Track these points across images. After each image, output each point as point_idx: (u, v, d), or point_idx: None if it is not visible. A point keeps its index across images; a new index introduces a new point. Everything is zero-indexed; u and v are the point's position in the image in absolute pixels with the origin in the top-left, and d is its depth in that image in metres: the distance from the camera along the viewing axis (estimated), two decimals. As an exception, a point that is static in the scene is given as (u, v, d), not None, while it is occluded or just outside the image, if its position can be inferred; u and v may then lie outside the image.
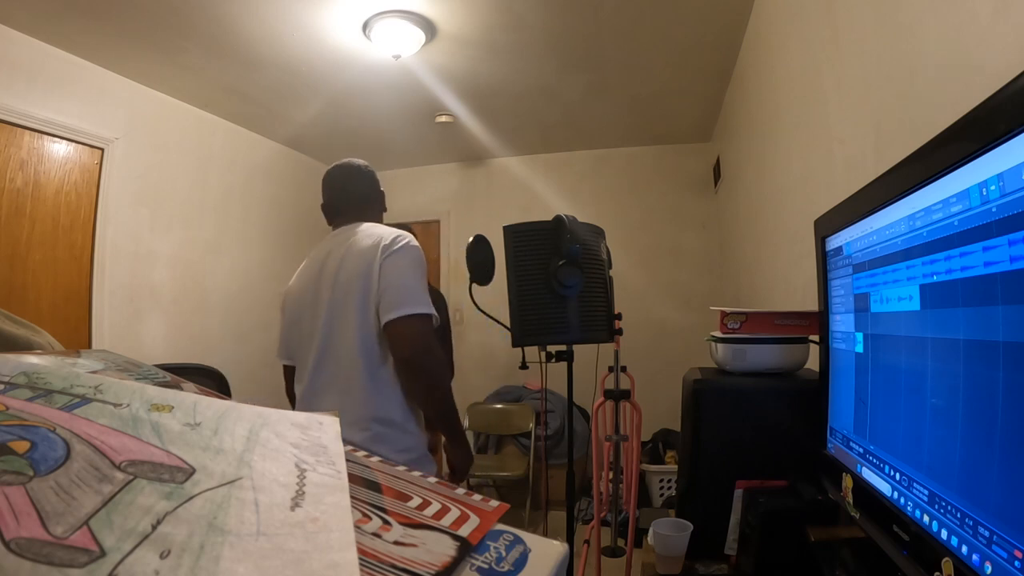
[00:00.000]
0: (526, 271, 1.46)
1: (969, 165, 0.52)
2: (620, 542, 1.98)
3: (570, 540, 1.66)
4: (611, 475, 1.85)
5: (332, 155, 4.21)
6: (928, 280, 0.61)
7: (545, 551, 0.28)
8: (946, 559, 0.53)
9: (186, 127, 3.20)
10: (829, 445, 0.95)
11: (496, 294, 1.52)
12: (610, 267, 1.63)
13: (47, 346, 0.45)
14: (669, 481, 3.03)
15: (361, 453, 0.33)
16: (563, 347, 1.59)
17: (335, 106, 3.29)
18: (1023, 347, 0.44)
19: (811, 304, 1.12)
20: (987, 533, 0.48)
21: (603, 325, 1.55)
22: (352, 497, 0.27)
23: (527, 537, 0.28)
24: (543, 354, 1.60)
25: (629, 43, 2.59)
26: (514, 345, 1.48)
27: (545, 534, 0.29)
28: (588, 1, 2.25)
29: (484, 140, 3.96)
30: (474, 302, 1.55)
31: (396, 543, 0.25)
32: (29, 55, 2.36)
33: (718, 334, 1.21)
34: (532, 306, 1.45)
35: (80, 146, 2.63)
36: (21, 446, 0.22)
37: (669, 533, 1.13)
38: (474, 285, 1.51)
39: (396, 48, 2.45)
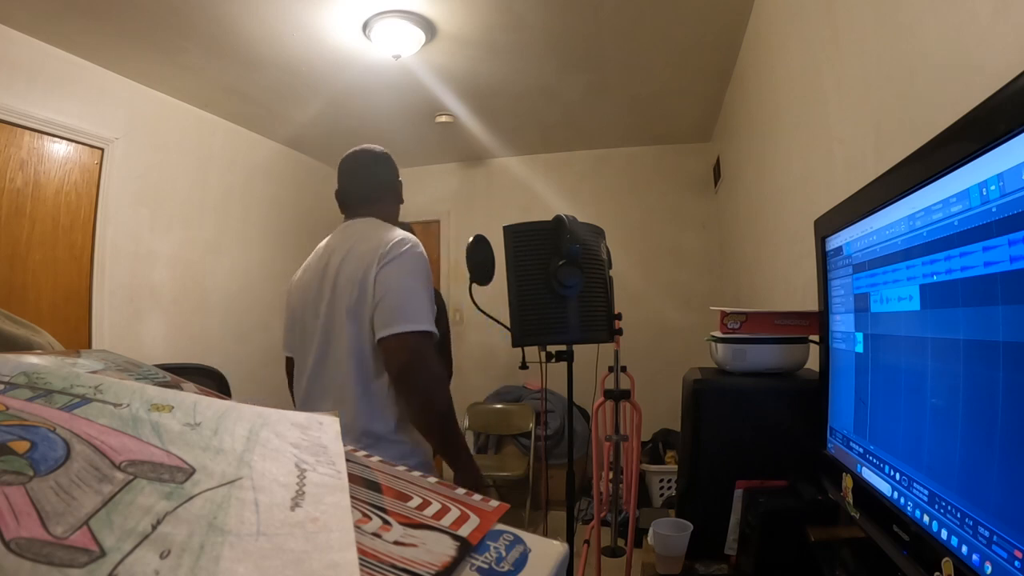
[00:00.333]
0: (526, 271, 1.46)
1: (969, 165, 0.52)
2: (620, 542, 1.98)
3: (570, 540, 1.66)
4: (611, 475, 1.85)
5: (332, 155, 4.22)
6: (928, 280, 0.61)
7: (545, 551, 0.28)
8: (946, 559, 0.53)
9: (186, 127, 3.20)
10: (829, 445, 0.95)
11: (496, 294, 1.52)
12: (610, 267, 1.63)
13: (47, 346, 0.45)
14: (669, 481, 3.03)
15: (361, 453, 0.34)
16: (563, 347, 1.59)
17: (335, 106, 3.29)
18: (1023, 347, 0.44)
19: (811, 304, 1.12)
20: (987, 533, 0.48)
21: (603, 325, 1.55)
22: (352, 497, 0.27)
23: (527, 537, 0.28)
24: (543, 354, 1.60)
25: (629, 43, 2.59)
26: (514, 345, 1.48)
27: (545, 534, 0.29)
28: (588, 1, 2.25)
29: (484, 140, 3.97)
30: (474, 302, 1.55)
31: (396, 543, 0.25)
32: (29, 55, 2.36)
33: (718, 334, 1.21)
34: (532, 306, 1.45)
35: (80, 146, 2.63)
36: (21, 446, 0.22)
37: (669, 533, 1.13)
38: (474, 285, 1.51)
39: (396, 48, 2.45)
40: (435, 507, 0.29)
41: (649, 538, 1.16)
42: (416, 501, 0.29)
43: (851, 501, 0.81)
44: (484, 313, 1.58)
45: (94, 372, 0.32)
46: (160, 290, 3.03)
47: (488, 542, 0.27)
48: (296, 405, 1.35)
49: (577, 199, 4.13)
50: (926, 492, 0.60)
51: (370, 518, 0.27)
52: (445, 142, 4.01)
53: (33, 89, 2.39)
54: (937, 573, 0.54)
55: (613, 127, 3.78)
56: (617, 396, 1.80)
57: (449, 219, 4.53)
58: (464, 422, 3.65)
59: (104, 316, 2.71)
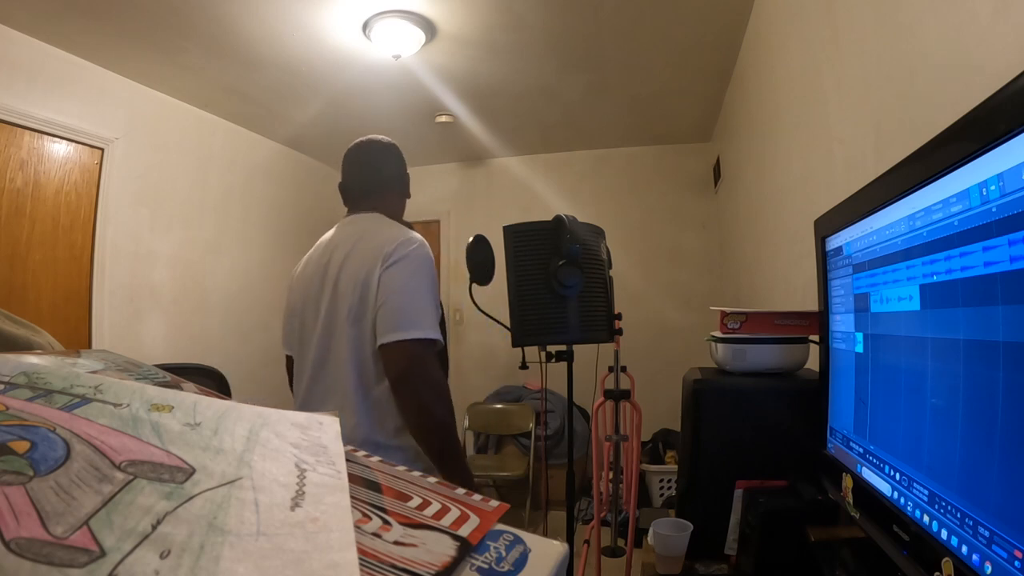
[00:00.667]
0: (526, 271, 1.45)
1: (969, 165, 0.52)
2: (620, 542, 1.98)
3: (570, 540, 1.66)
4: (611, 475, 1.85)
5: (332, 155, 4.22)
6: (928, 280, 0.61)
7: (545, 551, 0.28)
8: (946, 559, 0.53)
9: (186, 127, 3.20)
10: (829, 445, 0.95)
11: (496, 294, 1.52)
12: (610, 267, 1.63)
13: (47, 346, 0.45)
14: (669, 481, 3.03)
15: (361, 453, 0.34)
16: (563, 347, 1.59)
17: (335, 106, 3.29)
18: (1023, 347, 0.44)
19: (811, 304, 1.12)
20: (987, 533, 0.48)
21: (603, 325, 1.55)
22: (352, 497, 0.27)
23: (527, 537, 0.28)
24: (543, 354, 1.60)
25: (629, 43, 2.59)
26: (514, 345, 1.48)
27: (545, 534, 0.29)
28: (588, 1, 2.25)
29: (484, 140, 3.97)
30: (474, 302, 1.55)
31: (396, 543, 0.25)
32: (29, 55, 2.36)
33: (718, 334, 1.21)
34: (532, 306, 1.45)
35: (80, 146, 2.63)
36: (21, 446, 0.22)
37: (669, 533, 1.13)
38: (474, 285, 1.51)
39: (396, 48, 2.45)
40: (435, 507, 0.29)
41: (649, 538, 1.16)
42: (416, 501, 0.29)
43: (851, 501, 0.81)
44: (484, 313, 1.58)
45: (94, 372, 0.32)
46: (160, 290, 3.03)
47: (488, 542, 0.27)
48: (296, 406, 1.34)
49: (577, 199, 4.13)
50: (926, 492, 0.60)
51: (370, 518, 0.27)
52: (445, 142, 4.01)
53: (33, 89, 2.39)
54: (937, 573, 0.54)
55: (613, 127, 3.78)
56: (617, 396, 1.80)
57: (449, 219, 4.53)
58: (464, 422, 3.65)
59: (104, 316, 2.71)
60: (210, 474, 0.25)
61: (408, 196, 1.45)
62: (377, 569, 0.23)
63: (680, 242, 4.05)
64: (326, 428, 0.33)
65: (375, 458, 0.34)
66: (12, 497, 0.19)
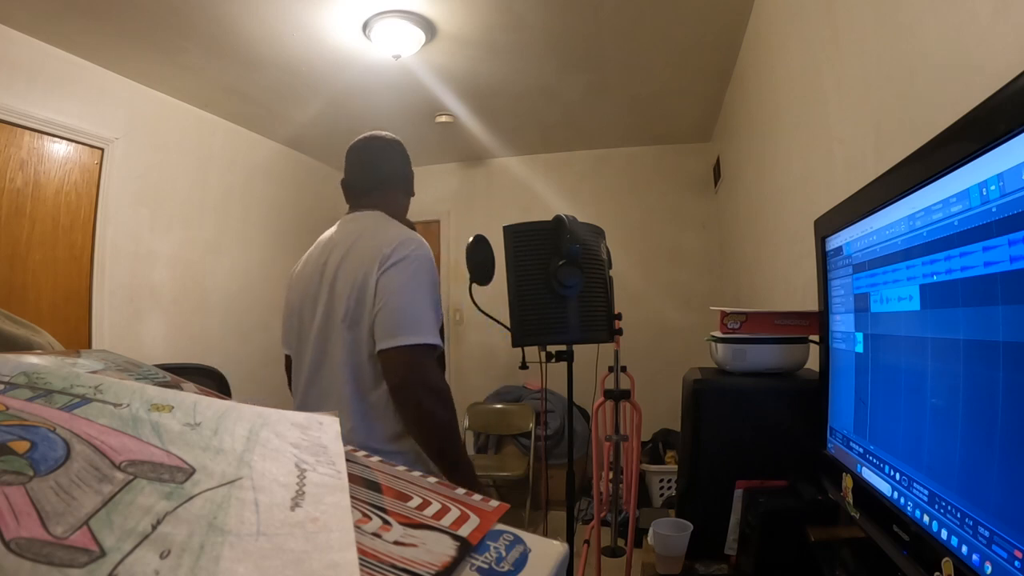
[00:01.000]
0: (526, 271, 1.45)
1: (969, 165, 0.52)
2: (620, 542, 1.98)
3: (570, 540, 1.66)
4: (611, 475, 1.85)
5: (332, 155, 4.23)
6: (928, 280, 0.61)
7: (545, 551, 0.28)
8: (946, 559, 0.53)
9: (186, 127, 3.20)
10: (829, 445, 0.95)
11: (496, 294, 1.52)
12: (610, 267, 1.63)
13: (47, 346, 0.45)
14: (669, 481, 3.03)
15: (361, 453, 0.34)
16: (563, 347, 1.59)
17: (335, 106, 3.29)
18: (1023, 347, 0.44)
19: (811, 304, 1.12)
20: (987, 533, 0.48)
21: (603, 325, 1.55)
22: (352, 497, 0.27)
23: (527, 537, 0.28)
24: (543, 354, 1.60)
25: (629, 43, 2.59)
26: (514, 345, 1.48)
27: (545, 534, 0.29)
28: (588, 1, 2.25)
29: (484, 140, 3.97)
30: (474, 302, 1.55)
31: (396, 543, 0.25)
32: (29, 55, 2.36)
33: (718, 334, 1.21)
34: (532, 306, 1.45)
35: (80, 146, 2.63)
36: (21, 446, 0.22)
37: (669, 533, 1.13)
38: (474, 285, 1.51)
39: (396, 48, 2.45)
40: (435, 507, 0.29)
41: (649, 538, 1.16)
42: (416, 501, 0.29)
43: (851, 501, 0.81)
44: (484, 313, 1.58)
45: (94, 372, 0.32)
46: (160, 290, 3.03)
47: (488, 542, 0.27)
48: (295, 406, 1.34)
49: (577, 199, 4.13)
50: (926, 492, 0.60)
51: (370, 518, 0.27)
52: (445, 142, 4.01)
53: (33, 89, 2.39)
54: (937, 573, 0.54)
55: (613, 127, 3.78)
56: (617, 396, 1.80)
57: (449, 219, 4.53)
58: (464, 422, 3.65)
59: (104, 316, 2.71)
60: (210, 474, 0.25)
61: (412, 194, 1.43)
62: (377, 569, 0.23)
63: (680, 242, 4.05)
64: (326, 428, 0.34)
65: (375, 458, 0.34)
66: (12, 497, 0.19)
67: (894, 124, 1.06)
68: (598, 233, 1.60)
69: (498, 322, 1.53)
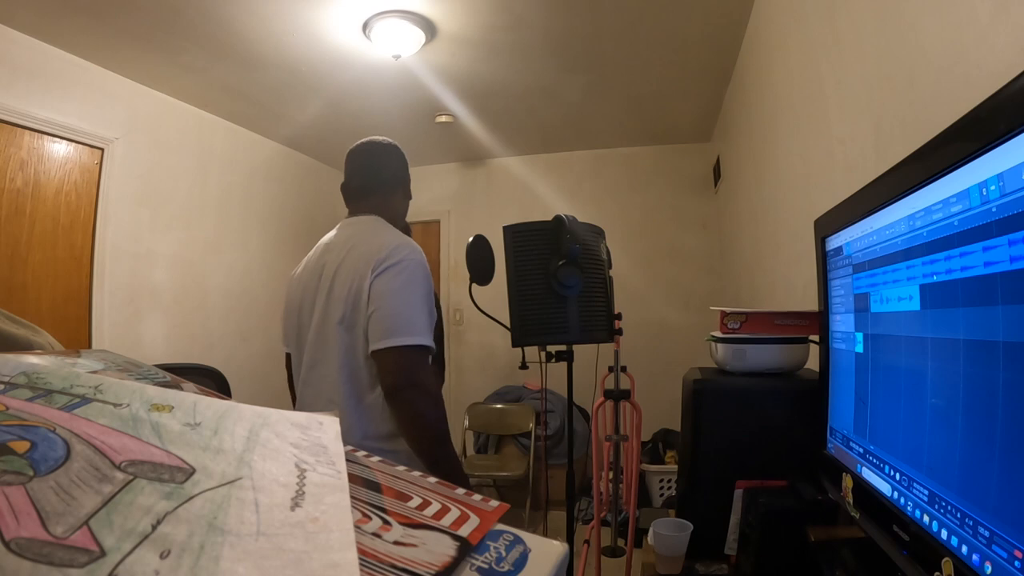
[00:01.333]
0: (526, 271, 1.45)
1: (969, 165, 0.52)
2: (620, 542, 1.98)
3: (570, 540, 1.66)
4: (611, 475, 1.85)
5: (332, 155, 4.23)
6: (928, 280, 0.61)
7: (545, 551, 0.28)
8: (946, 559, 0.53)
9: (186, 127, 3.20)
10: (829, 445, 0.95)
11: (496, 294, 1.52)
12: (610, 267, 1.63)
13: (47, 346, 0.45)
14: (669, 481, 3.03)
15: (361, 453, 0.34)
16: (563, 347, 1.59)
17: (335, 106, 3.29)
18: (1023, 347, 0.44)
19: (811, 304, 1.12)
20: (987, 533, 0.48)
21: (603, 325, 1.55)
22: (352, 497, 0.27)
23: (527, 537, 0.28)
24: (543, 354, 1.60)
25: (629, 43, 2.60)
26: (514, 345, 1.48)
27: (545, 534, 0.29)
28: (588, 1, 2.25)
29: (484, 140, 3.97)
30: (474, 302, 1.55)
31: (396, 543, 0.25)
32: (29, 55, 2.36)
33: (718, 334, 1.21)
34: (532, 306, 1.45)
35: (80, 146, 2.63)
36: (21, 446, 0.22)
37: (669, 533, 1.13)
38: (474, 285, 1.51)
39: (396, 48, 2.45)
40: (435, 507, 0.29)
41: (649, 538, 1.16)
42: (416, 501, 0.29)
43: (851, 501, 0.81)
44: (484, 313, 1.58)
45: (94, 372, 0.32)
46: (160, 290, 3.03)
47: (488, 542, 0.27)
48: (295, 404, 1.35)
49: (577, 199, 4.13)
50: (926, 492, 0.60)
51: (370, 518, 0.27)
52: (445, 142, 4.01)
53: (33, 89, 2.39)
54: (937, 573, 0.54)
55: (613, 127, 3.78)
56: (617, 396, 1.80)
57: (449, 219, 4.54)
58: (464, 422, 3.65)
59: (104, 316, 2.71)
60: (210, 474, 0.25)
61: (410, 197, 1.45)
62: (377, 569, 0.23)
63: (680, 242, 4.05)
64: (326, 428, 0.34)
65: (375, 458, 0.34)
66: (12, 497, 0.19)
67: (894, 124, 1.06)
68: (598, 233, 1.60)
69: (498, 322, 1.53)
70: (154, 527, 0.21)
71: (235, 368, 3.09)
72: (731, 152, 3.19)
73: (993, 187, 0.48)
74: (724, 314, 1.19)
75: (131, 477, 0.23)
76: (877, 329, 0.77)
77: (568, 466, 1.64)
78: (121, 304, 2.80)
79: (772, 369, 1.19)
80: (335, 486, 0.27)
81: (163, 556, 0.20)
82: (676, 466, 2.66)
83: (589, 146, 4.19)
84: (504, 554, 0.27)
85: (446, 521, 0.28)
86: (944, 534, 0.55)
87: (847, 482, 0.83)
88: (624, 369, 1.81)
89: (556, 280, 1.41)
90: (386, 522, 0.27)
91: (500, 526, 0.29)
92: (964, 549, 0.51)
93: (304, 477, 0.27)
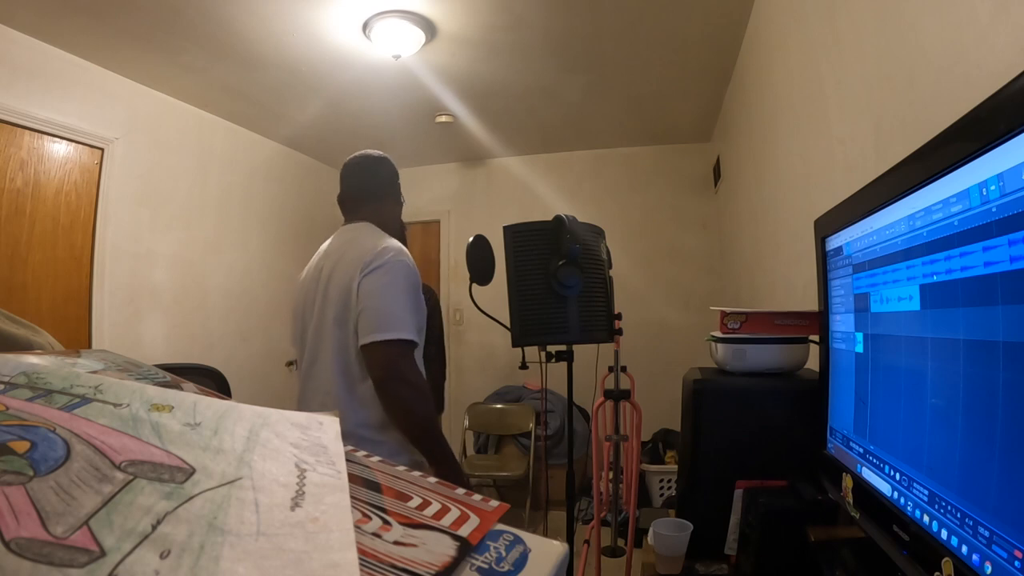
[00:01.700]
0: (526, 271, 1.46)
1: (969, 165, 0.52)
2: (620, 542, 1.98)
3: (570, 540, 1.66)
4: (611, 475, 1.85)
5: (332, 155, 4.22)
6: (928, 280, 0.61)
7: (545, 551, 0.28)
8: (946, 559, 0.53)
9: (186, 127, 3.20)
10: (829, 445, 0.95)
11: (496, 294, 1.52)
12: (610, 267, 1.63)
13: (47, 346, 0.45)
14: (669, 481, 3.03)
15: (361, 453, 0.34)
16: (563, 347, 1.59)
17: (335, 106, 3.29)
18: (1023, 347, 0.44)
19: (811, 304, 1.12)
20: (987, 533, 0.48)
21: (603, 325, 1.55)
22: (352, 497, 0.27)
23: (527, 537, 0.28)
24: (543, 354, 1.60)
25: (628, 43, 2.59)
26: (514, 345, 1.48)
27: (545, 534, 0.29)
28: (588, 1, 2.25)
29: (484, 140, 3.97)
30: (474, 302, 1.55)
31: (396, 543, 0.25)
32: (29, 55, 2.36)
33: (718, 334, 1.21)
34: (532, 306, 1.45)
35: (80, 146, 2.63)
36: (21, 446, 0.22)
37: (669, 533, 1.13)
38: (474, 285, 1.51)
39: (396, 48, 2.45)
40: (435, 507, 0.29)
41: (649, 538, 1.16)
42: (416, 501, 0.29)
43: (851, 501, 0.81)
44: (484, 313, 1.58)
45: (94, 372, 0.32)
46: (160, 290, 3.03)
47: (488, 542, 0.27)
48: (296, 399, 1.41)
49: (577, 199, 4.13)
50: (926, 492, 0.60)
51: (370, 518, 0.27)
52: (445, 142, 4.01)
53: (33, 89, 2.38)
54: (937, 573, 0.54)
55: (613, 127, 3.78)
56: (617, 396, 1.80)
57: (449, 219, 4.53)
58: (464, 422, 3.65)
59: (104, 316, 2.71)
60: (210, 474, 0.25)
61: (401, 202, 1.55)
62: (377, 569, 0.23)
63: (680, 242, 4.04)
64: (326, 428, 0.34)
65: (375, 458, 0.34)
66: (12, 497, 0.19)
67: (894, 124, 1.06)
68: (598, 233, 1.60)
69: (498, 322, 1.53)
70: (154, 527, 0.21)
71: (235, 368, 3.09)
72: (731, 152, 3.19)
73: (993, 187, 0.48)
74: (724, 314, 1.19)
75: (131, 477, 0.23)
76: (877, 329, 0.77)
77: (568, 466, 1.64)
78: (121, 304, 2.80)
79: (772, 369, 1.19)
80: (335, 486, 0.27)
81: (163, 556, 0.20)
82: (676, 466, 2.66)
83: (589, 146, 4.19)
84: (504, 554, 0.27)
85: (446, 521, 0.28)
86: (944, 534, 0.55)
87: (847, 482, 0.83)
88: (624, 369, 1.81)
89: (556, 280, 1.41)
90: (386, 522, 0.27)
91: (500, 526, 0.29)
92: (964, 549, 0.51)
93: (304, 477, 0.27)
